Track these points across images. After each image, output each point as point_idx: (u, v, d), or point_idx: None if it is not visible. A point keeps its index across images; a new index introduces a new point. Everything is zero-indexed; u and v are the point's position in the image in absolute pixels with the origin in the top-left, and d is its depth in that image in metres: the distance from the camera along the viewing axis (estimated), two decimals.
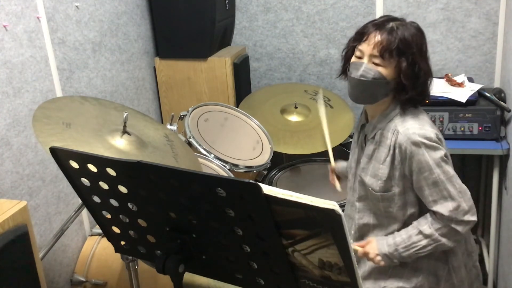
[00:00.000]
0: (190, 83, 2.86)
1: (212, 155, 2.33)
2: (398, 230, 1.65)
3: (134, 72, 2.76)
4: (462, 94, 2.46)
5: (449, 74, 2.67)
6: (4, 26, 1.88)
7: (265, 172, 2.50)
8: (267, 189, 0.98)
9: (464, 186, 1.55)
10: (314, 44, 3.03)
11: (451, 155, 1.62)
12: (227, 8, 2.88)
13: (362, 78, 1.56)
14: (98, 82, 2.45)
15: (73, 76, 2.28)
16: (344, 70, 1.68)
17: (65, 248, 2.25)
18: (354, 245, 1.67)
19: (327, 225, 0.98)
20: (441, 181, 1.52)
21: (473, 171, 2.85)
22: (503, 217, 2.50)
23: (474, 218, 1.54)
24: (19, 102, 1.97)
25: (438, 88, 2.57)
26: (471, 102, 2.43)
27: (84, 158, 1.20)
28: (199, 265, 1.24)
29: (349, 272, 1.03)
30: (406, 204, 1.62)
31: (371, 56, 1.55)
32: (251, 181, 0.98)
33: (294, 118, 2.79)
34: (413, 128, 1.54)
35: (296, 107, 2.80)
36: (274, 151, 2.53)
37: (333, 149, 2.55)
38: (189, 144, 2.31)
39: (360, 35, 1.59)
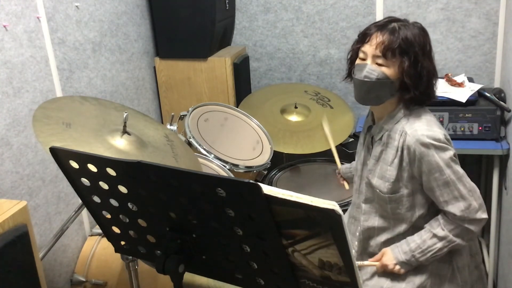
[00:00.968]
0: (190, 83, 2.86)
1: (212, 155, 2.33)
2: (405, 231, 1.65)
3: (134, 72, 2.76)
4: (462, 94, 2.46)
5: (449, 74, 2.67)
6: (4, 26, 1.88)
7: (265, 172, 2.50)
8: (267, 189, 0.98)
9: (473, 184, 1.56)
10: (314, 44, 3.03)
11: None
12: (227, 8, 2.88)
13: (366, 79, 1.56)
14: (98, 82, 2.45)
15: (73, 76, 2.28)
16: (350, 73, 1.68)
17: (65, 248, 2.25)
18: (370, 262, 1.69)
19: (327, 225, 0.98)
20: (452, 181, 1.52)
21: (473, 171, 2.85)
22: (503, 217, 2.50)
23: (485, 215, 1.55)
24: (19, 102, 1.97)
25: (438, 88, 2.56)
26: (471, 102, 2.43)
27: (84, 158, 1.20)
28: (199, 265, 1.24)
29: (349, 272, 1.03)
30: (414, 206, 1.62)
31: (374, 56, 1.56)
32: (251, 181, 0.98)
33: (294, 118, 2.79)
34: (421, 129, 1.54)
35: (296, 107, 2.80)
36: (274, 151, 2.53)
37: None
38: (189, 144, 2.31)
39: (363, 37, 1.60)
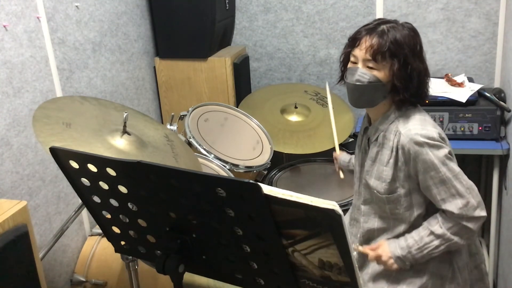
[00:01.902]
0: (190, 83, 2.86)
1: (212, 155, 2.33)
2: (404, 232, 1.65)
3: (134, 72, 2.76)
4: (462, 94, 2.46)
5: (449, 74, 2.67)
6: (4, 26, 1.88)
7: (265, 172, 2.50)
8: (267, 189, 0.98)
9: (470, 182, 1.55)
10: (314, 44, 3.03)
11: None
12: (227, 8, 2.88)
13: (358, 83, 1.57)
14: (98, 82, 2.45)
15: (73, 76, 2.28)
16: (342, 76, 1.69)
17: (65, 248, 2.25)
18: (364, 248, 1.68)
19: (327, 225, 0.98)
20: (448, 178, 1.52)
21: (473, 171, 2.85)
22: (503, 217, 2.50)
23: (484, 213, 1.54)
24: (19, 102, 1.97)
25: (438, 88, 2.57)
26: (471, 102, 2.43)
27: (84, 158, 1.20)
28: (199, 265, 1.24)
29: (349, 272, 1.03)
30: (412, 205, 1.62)
31: (365, 60, 1.56)
32: (251, 181, 0.98)
33: (294, 118, 2.79)
34: (415, 128, 1.54)
35: (296, 107, 2.80)
36: (274, 151, 2.53)
37: (333, 149, 2.55)
38: (189, 144, 2.31)
39: (353, 41, 1.61)
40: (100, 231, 2.32)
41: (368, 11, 2.88)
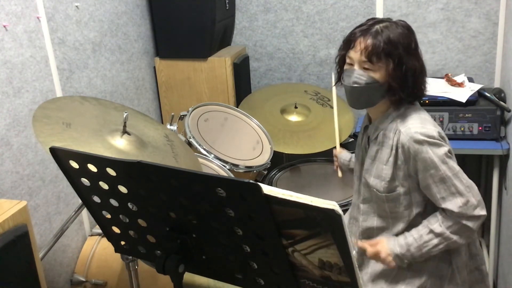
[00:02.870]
0: (190, 83, 2.86)
1: (212, 155, 2.33)
2: (403, 230, 1.65)
3: (134, 72, 2.76)
4: (462, 94, 2.46)
5: (449, 74, 2.67)
6: (4, 26, 1.88)
7: (265, 172, 2.50)
8: (267, 189, 0.98)
9: (470, 181, 1.55)
10: (314, 44, 3.03)
11: None
12: (227, 8, 2.88)
13: (355, 85, 1.57)
14: (98, 82, 2.45)
15: (73, 76, 2.28)
16: (339, 78, 1.69)
17: (65, 248, 2.25)
18: (363, 244, 1.68)
19: (327, 225, 0.98)
20: (448, 177, 1.51)
21: (473, 171, 2.85)
22: (503, 217, 2.50)
23: (484, 212, 1.54)
24: (19, 102, 1.97)
25: (438, 88, 2.57)
26: (471, 102, 2.43)
27: (84, 158, 1.20)
28: (199, 265, 1.24)
29: (349, 272, 1.03)
30: (411, 204, 1.62)
31: (361, 62, 1.56)
32: (251, 181, 0.98)
33: (294, 118, 2.79)
34: (415, 127, 1.54)
35: (296, 107, 2.80)
36: (274, 151, 2.53)
37: (333, 149, 2.55)
38: (189, 144, 2.31)
39: (348, 43, 1.61)
40: (100, 231, 2.32)
41: (368, 11, 2.88)
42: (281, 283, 1.15)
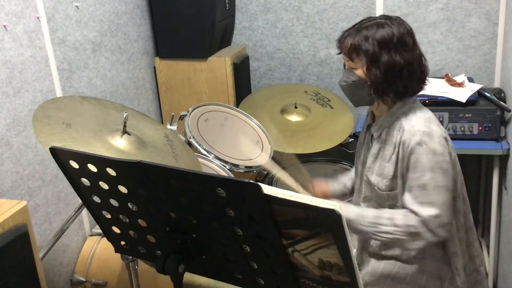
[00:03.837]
0: (190, 83, 2.86)
1: (212, 155, 2.33)
2: None
3: (134, 72, 2.76)
4: (462, 94, 2.47)
5: (449, 74, 2.67)
6: (4, 26, 1.88)
7: (265, 172, 2.50)
8: (267, 189, 0.98)
9: (450, 202, 1.53)
10: (314, 44, 3.03)
11: None
12: (227, 8, 2.88)
13: (343, 83, 1.62)
14: (98, 82, 2.45)
15: (73, 76, 2.28)
16: None
17: (65, 248, 2.25)
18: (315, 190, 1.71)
19: (327, 225, 0.98)
20: (431, 186, 1.50)
21: (473, 171, 2.85)
22: (503, 217, 2.50)
23: (445, 234, 1.52)
24: (19, 102, 1.97)
25: (438, 88, 2.57)
26: (471, 102, 2.43)
27: (84, 158, 1.20)
28: (199, 265, 1.24)
29: (349, 272, 1.03)
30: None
31: (346, 61, 1.61)
32: (251, 181, 0.98)
33: (294, 118, 2.79)
34: (419, 125, 1.54)
35: (296, 107, 2.80)
36: (274, 151, 2.52)
37: (333, 149, 2.55)
38: (189, 144, 2.31)
39: (338, 45, 1.63)
40: (100, 231, 2.32)
41: (368, 11, 2.88)
42: (281, 283, 1.15)
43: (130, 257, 1.80)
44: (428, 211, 1.50)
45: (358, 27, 1.57)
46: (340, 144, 2.63)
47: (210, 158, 2.32)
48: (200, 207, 1.11)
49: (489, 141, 2.43)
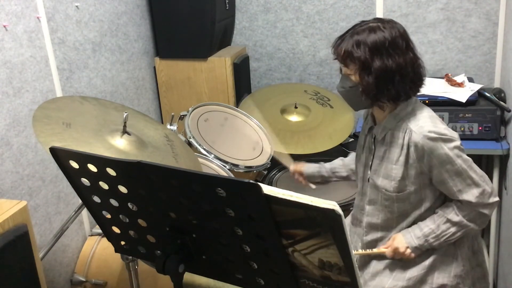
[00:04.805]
0: (190, 83, 2.86)
1: (212, 155, 2.33)
2: (407, 226, 1.67)
3: (134, 72, 2.76)
4: (462, 94, 2.46)
5: (449, 74, 2.67)
6: (4, 26, 1.88)
7: (265, 172, 2.50)
8: (267, 189, 0.98)
9: (482, 171, 1.60)
10: (314, 44, 3.03)
11: None
12: (227, 8, 2.88)
13: (341, 89, 1.64)
14: (98, 82, 2.45)
15: (73, 76, 2.28)
16: None
17: (65, 248, 2.25)
18: (379, 249, 1.70)
19: (327, 225, 0.98)
20: (464, 170, 1.55)
21: None
22: (503, 217, 2.50)
23: (497, 198, 1.60)
24: (19, 102, 1.97)
25: (438, 88, 2.57)
26: (471, 102, 2.43)
27: (84, 158, 1.20)
28: (199, 265, 1.24)
29: (349, 272, 1.04)
30: (421, 201, 1.64)
31: (342, 67, 1.62)
32: (251, 181, 0.98)
33: (294, 118, 2.79)
34: (427, 125, 1.56)
35: (296, 107, 2.80)
36: (274, 151, 2.52)
37: (334, 149, 2.55)
38: (189, 144, 2.31)
39: (334, 51, 1.63)
40: (100, 231, 2.32)
41: (368, 11, 2.88)
42: (281, 283, 1.15)
43: (130, 257, 1.80)
44: (472, 194, 1.56)
45: (351, 33, 1.57)
46: (340, 144, 2.63)
47: (210, 158, 2.32)
48: (200, 207, 1.11)
49: (489, 141, 2.43)
